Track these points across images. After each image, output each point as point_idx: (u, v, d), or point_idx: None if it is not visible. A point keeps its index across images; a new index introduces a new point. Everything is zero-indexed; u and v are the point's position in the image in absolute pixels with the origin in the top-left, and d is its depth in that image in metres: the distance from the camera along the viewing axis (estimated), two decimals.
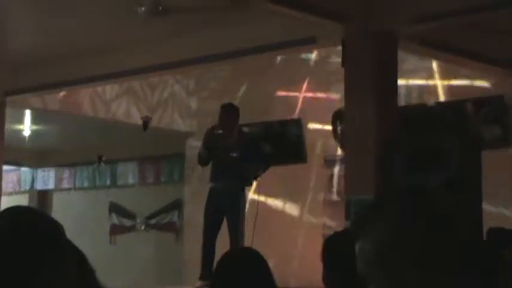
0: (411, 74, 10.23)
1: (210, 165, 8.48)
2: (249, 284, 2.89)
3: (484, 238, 7.32)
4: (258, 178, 8.64)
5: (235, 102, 9.16)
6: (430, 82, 10.36)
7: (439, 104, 10.18)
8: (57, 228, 1.65)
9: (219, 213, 8.27)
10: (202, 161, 8.53)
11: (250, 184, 8.67)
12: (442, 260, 1.44)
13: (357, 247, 1.51)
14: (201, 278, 8.18)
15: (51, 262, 1.59)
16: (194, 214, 11.82)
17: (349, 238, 1.55)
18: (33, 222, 1.63)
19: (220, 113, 8.44)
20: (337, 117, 10.33)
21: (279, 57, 10.96)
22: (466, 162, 6.72)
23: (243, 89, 11.59)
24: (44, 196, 16.41)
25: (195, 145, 11.55)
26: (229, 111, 8.45)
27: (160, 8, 7.90)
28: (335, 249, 3.13)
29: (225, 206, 8.20)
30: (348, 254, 1.54)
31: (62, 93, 11.42)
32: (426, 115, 9.86)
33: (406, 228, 1.47)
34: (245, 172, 8.33)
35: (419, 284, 1.44)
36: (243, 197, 8.37)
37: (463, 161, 6.66)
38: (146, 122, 11.90)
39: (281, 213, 11.39)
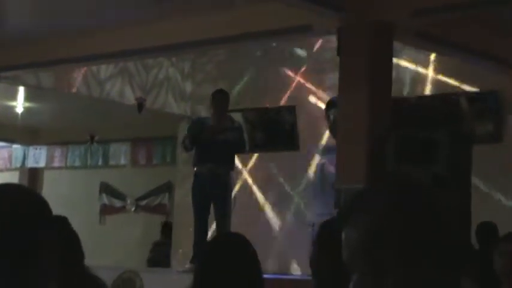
0: (406, 65, 10.24)
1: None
2: (236, 269, 2.91)
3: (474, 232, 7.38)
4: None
5: (230, 87, 9.20)
6: (424, 74, 10.37)
7: (433, 96, 10.20)
8: (43, 207, 1.66)
9: (207, 197, 8.29)
10: (186, 148, 8.61)
11: (233, 168, 8.71)
12: (423, 253, 1.46)
13: (343, 235, 1.52)
14: (192, 261, 8.20)
15: (35, 242, 1.60)
16: (185, 197, 11.84)
17: (337, 226, 1.57)
18: (20, 200, 1.64)
19: (213, 98, 8.47)
20: (330, 106, 10.34)
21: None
22: (457, 156, 6.74)
23: (237, 74, 11.59)
24: (34, 174, 16.39)
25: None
26: (223, 97, 8.50)
27: None
28: (326, 236, 3.15)
29: (212, 190, 8.22)
30: (338, 241, 1.56)
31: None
32: (419, 107, 9.88)
33: (390, 219, 1.48)
34: (229, 155, 8.40)
35: (401, 274, 1.45)
36: (229, 180, 8.40)
37: (453, 155, 6.68)
38: (141, 104, 11.90)
39: (272, 200, 11.42)
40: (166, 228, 12.65)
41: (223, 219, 8.17)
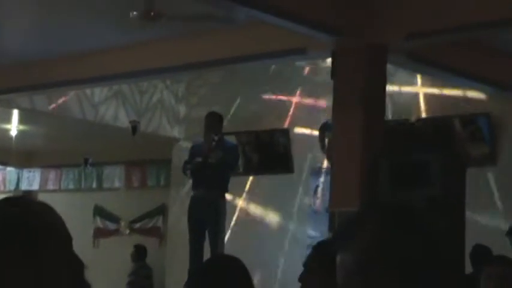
0: (399, 88, 10.28)
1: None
2: None
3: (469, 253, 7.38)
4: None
5: (224, 110, 9.23)
6: (418, 97, 10.40)
7: (426, 119, 10.23)
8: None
9: (201, 221, 8.30)
10: (186, 174, 8.66)
11: (227, 191, 8.68)
12: (420, 274, 1.47)
13: (338, 259, 1.53)
14: (187, 285, 8.19)
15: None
16: (178, 220, 11.83)
17: (330, 248, 1.57)
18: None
19: (209, 120, 8.50)
20: (324, 129, 10.38)
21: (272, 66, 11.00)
22: (451, 179, 6.75)
23: (231, 97, 11.62)
24: (28, 197, 16.33)
25: (182, 151, 11.56)
26: (215, 119, 8.56)
27: (152, 13, 7.92)
28: (318, 257, 3.16)
29: (206, 214, 8.23)
30: (329, 262, 1.56)
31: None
32: (412, 130, 9.90)
33: (386, 241, 1.49)
34: (223, 179, 8.40)
35: None
36: (223, 204, 8.40)
37: (447, 178, 6.69)
38: (135, 127, 11.91)
39: (266, 222, 11.41)
40: (137, 254, 12.81)
41: (215, 244, 8.18)
